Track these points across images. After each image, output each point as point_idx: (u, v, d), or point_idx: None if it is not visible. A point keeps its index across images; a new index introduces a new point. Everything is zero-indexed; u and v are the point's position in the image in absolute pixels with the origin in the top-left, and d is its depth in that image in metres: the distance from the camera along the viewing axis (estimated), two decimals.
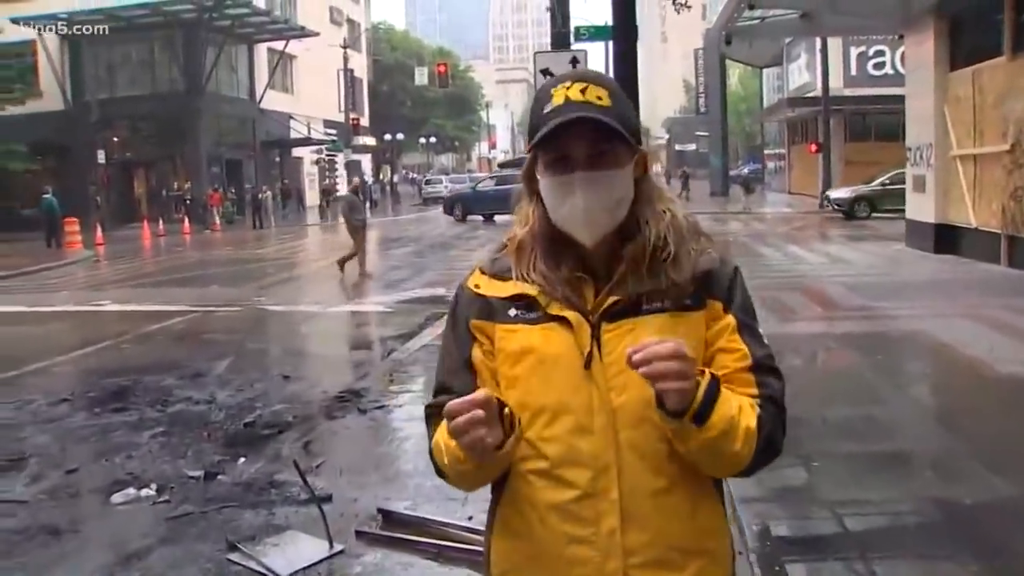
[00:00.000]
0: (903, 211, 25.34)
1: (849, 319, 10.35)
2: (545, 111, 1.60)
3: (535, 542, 1.62)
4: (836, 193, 30.20)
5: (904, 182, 27.31)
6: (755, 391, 1.58)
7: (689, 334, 1.57)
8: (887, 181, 27.82)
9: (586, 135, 1.57)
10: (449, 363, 1.71)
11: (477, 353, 1.67)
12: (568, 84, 1.61)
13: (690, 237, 1.65)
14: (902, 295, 12.06)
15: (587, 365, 1.57)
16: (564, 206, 1.60)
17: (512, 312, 1.64)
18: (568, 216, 1.61)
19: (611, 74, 8.51)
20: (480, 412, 1.43)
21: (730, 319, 1.62)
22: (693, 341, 1.55)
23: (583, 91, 1.59)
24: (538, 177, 1.65)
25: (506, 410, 1.54)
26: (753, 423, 1.54)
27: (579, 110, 1.56)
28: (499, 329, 1.65)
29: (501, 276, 1.67)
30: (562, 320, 1.60)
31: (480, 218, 33.35)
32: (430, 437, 1.68)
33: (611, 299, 1.60)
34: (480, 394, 1.46)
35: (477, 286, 1.69)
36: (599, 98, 1.59)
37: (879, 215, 26.81)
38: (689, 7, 14.08)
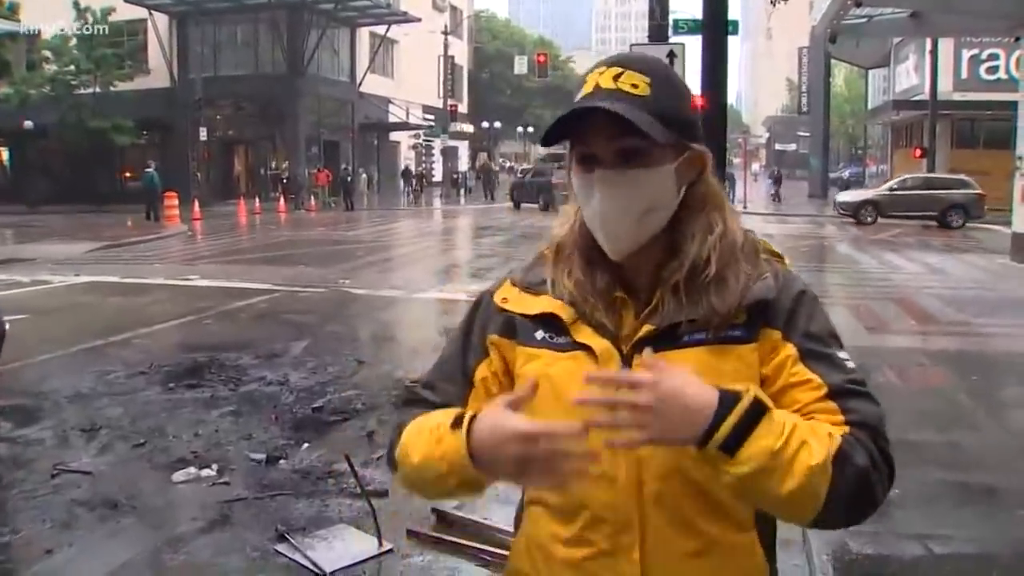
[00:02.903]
0: (909, 217, 24.88)
1: (945, 335, 9.90)
2: (575, 99, 1.39)
3: None
4: (843, 196, 30.33)
5: (915, 188, 27.56)
6: (840, 418, 1.32)
7: (737, 370, 1.35)
8: (895, 186, 28.17)
9: (608, 128, 1.35)
10: (445, 369, 1.55)
11: (483, 371, 1.50)
12: (602, 70, 1.39)
13: (744, 257, 1.41)
14: (1004, 312, 11.51)
15: None
16: (589, 208, 1.41)
17: (539, 335, 1.45)
18: (591, 221, 1.42)
19: (700, 67, 8.22)
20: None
21: (790, 349, 1.37)
22: (741, 379, 1.32)
23: (616, 77, 1.37)
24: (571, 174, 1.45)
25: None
26: (818, 459, 1.23)
27: (605, 99, 1.34)
28: (520, 352, 1.46)
29: (533, 289, 1.48)
30: (589, 350, 1.40)
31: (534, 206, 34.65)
32: (397, 423, 1.50)
33: (646, 327, 1.38)
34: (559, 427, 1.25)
35: (504, 300, 1.51)
36: (634, 86, 1.36)
37: (885, 220, 26.66)
38: (786, 0, 13.63)
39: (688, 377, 1.23)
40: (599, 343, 1.40)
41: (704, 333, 1.37)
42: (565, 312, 1.43)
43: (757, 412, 1.23)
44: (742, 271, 1.40)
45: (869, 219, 27.06)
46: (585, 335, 1.41)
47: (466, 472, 1.30)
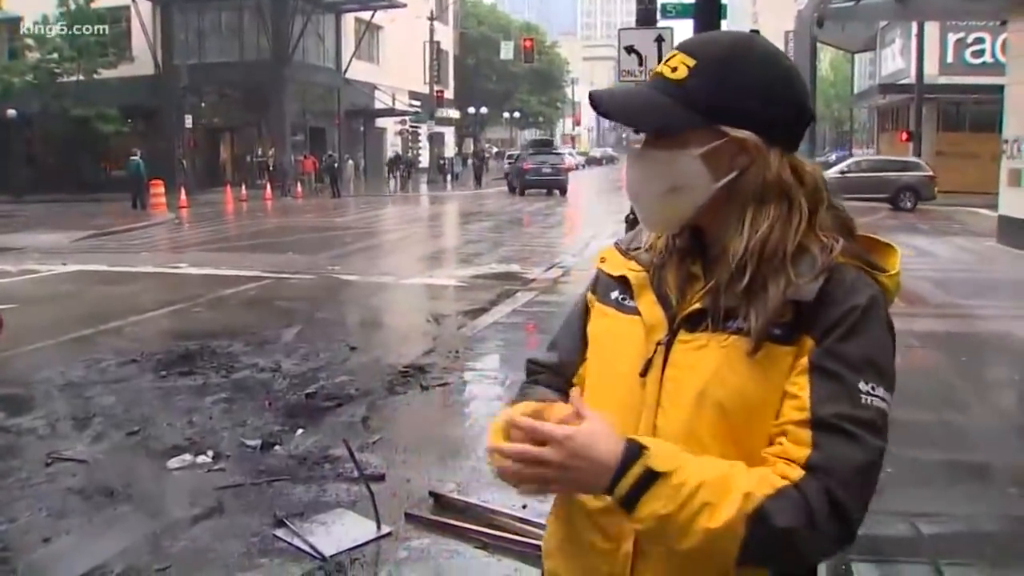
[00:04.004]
0: (861, 199, 25.37)
1: (933, 316, 9.94)
2: None
3: (569, 532, 1.48)
4: None
5: (866, 170, 28.00)
6: (804, 453, 1.24)
7: (763, 368, 1.30)
8: (846, 169, 28.65)
9: None
10: (568, 328, 1.62)
11: (590, 327, 1.56)
12: (674, 52, 1.41)
13: (790, 267, 1.32)
14: (991, 294, 11.59)
15: (643, 372, 1.38)
16: None
17: (613, 295, 1.50)
18: None
19: None
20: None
21: (804, 360, 1.28)
22: (763, 378, 1.29)
23: (668, 60, 1.39)
24: None
25: None
26: (721, 522, 1.19)
27: (628, 84, 1.40)
28: (597, 308, 1.53)
29: (629, 251, 1.51)
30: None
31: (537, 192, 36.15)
32: (520, 394, 1.57)
33: (695, 305, 1.37)
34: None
35: (603, 260, 1.57)
36: (673, 69, 1.36)
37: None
38: None
39: (602, 429, 1.25)
40: (652, 314, 1.42)
41: (747, 322, 1.32)
42: (635, 277, 1.46)
43: (649, 478, 1.22)
44: (784, 280, 1.31)
45: None
46: (646, 303, 1.43)
47: None
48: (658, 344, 1.38)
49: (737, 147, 1.34)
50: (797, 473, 1.23)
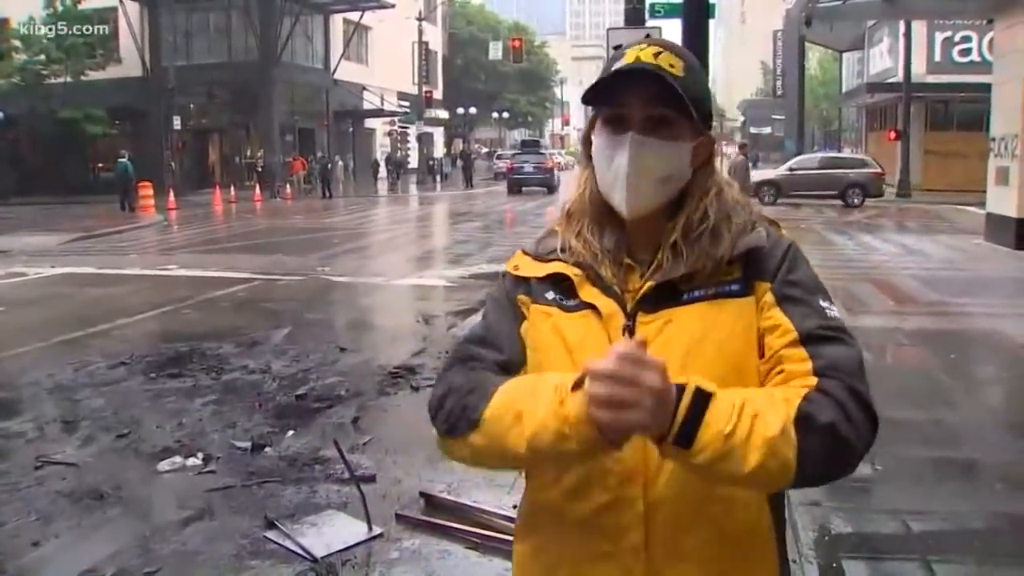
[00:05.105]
0: (810, 196, 25.44)
1: (922, 314, 9.98)
2: (612, 68, 1.46)
3: (556, 552, 1.47)
4: None
5: (814, 168, 28.56)
6: (808, 365, 1.34)
7: (736, 323, 1.41)
8: (795, 167, 29.11)
9: (647, 92, 1.44)
10: (499, 328, 1.54)
11: (525, 327, 1.53)
12: (643, 46, 1.47)
13: (735, 214, 1.49)
14: (980, 292, 11.62)
15: None
16: (610, 169, 1.47)
17: (549, 295, 1.51)
18: (611, 181, 1.48)
19: None
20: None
21: (768, 295, 1.42)
22: (739, 331, 1.41)
23: (657, 55, 1.45)
24: (592, 138, 1.52)
25: None
26: (774, 429, 1.23)
27: (642, 67, 1.43)
28: (534, 309, 1.52)
29: (543, 257, 1.54)
30: (595, 309, 1.45)
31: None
32: (450, 383, 1.48)
33: (648, 284, 1.45)
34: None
35: (516, 267, 1.57)
36: (671, 66, 1.44)
37: (785, 201, 27.46)
38: None
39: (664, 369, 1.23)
40: (605, 302, 1.46)
41: (702, 290, 1.43)
42: (572, 272, 1.49)
43: (701, 400, 1.23)
44: (734, 223, 1.47)
45: (768, 199, 27.41)
46: (591, 295, 1.47)
47: (589, 435, 1.26)
48: (625, 329, 1.42)
49: (709, 143, 1.52)
50: (812, 381, 1.32)
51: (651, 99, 1.44)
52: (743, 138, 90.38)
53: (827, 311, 1.41)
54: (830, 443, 1.27)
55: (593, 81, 1.48)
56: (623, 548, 1.40)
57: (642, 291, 1.45)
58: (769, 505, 1.45)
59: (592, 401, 1.21)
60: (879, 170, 28.21)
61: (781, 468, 1.25)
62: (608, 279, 1.47)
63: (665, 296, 1.43)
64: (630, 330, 1.42)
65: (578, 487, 1.43)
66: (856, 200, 27.48)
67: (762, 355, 1.40)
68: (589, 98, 1.48)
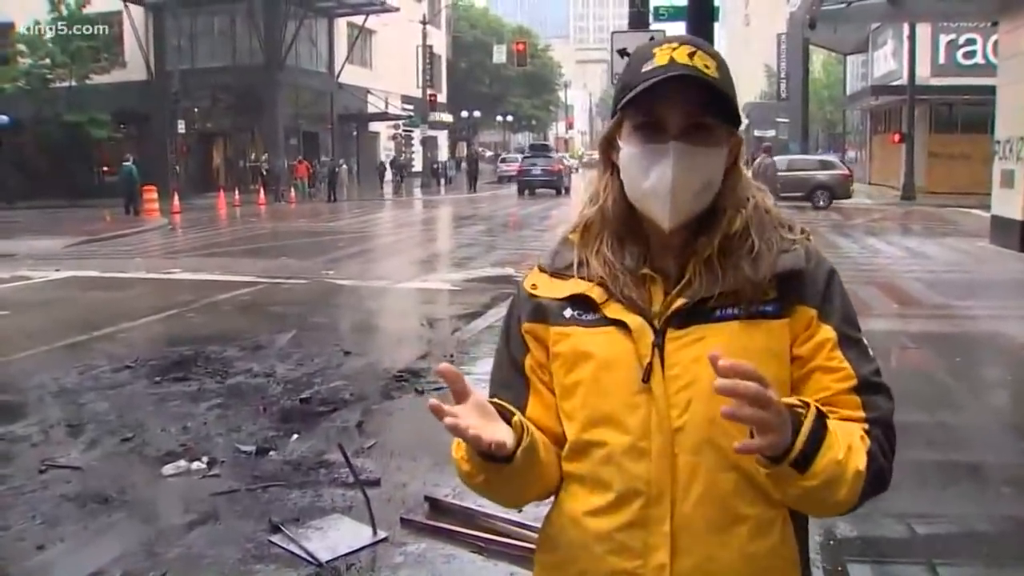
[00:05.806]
0: (777, 198, 25.51)
1: (926, 317, 9.97)
2: (644, 69, 1.38)
3: (579, 567, 1.45)
4: None
5: (780, 170, 28.06)
6: (862, 414, 1.37)
7: (769, 345, 1.38)
8: (756, 169, 28.79)
9: (689, 100, 1.36)
10: (501, 376, 1.55)
11: (530, 363, 1.51)
12: (675, 45, 1.39)
13: (772, 230, 1.44)
14: (985, 294, 11.61)
15: (646, 378, 1.37)
16: (649, 179, 1.39)
17: (568, 313, 1.46)
18: (651, 192, 1.39)
19: None
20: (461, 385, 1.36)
21: (829, 332, 1.39)
22: (772, 355, 1.37)
23: (691, 55, 1.37)
24: (620, 145, 1.44)
25: (515, 419, 1.38)
26: (863, 463, 1.31)
27: (687, 72, 1.35)
28: (552, 332, 1.48)
29: (561, 273, 1.50)
30: (621, 325, 1.41)
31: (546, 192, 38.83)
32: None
33: (679, 301, 1.40)
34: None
35: (534, 286, 1.53)
36: (706, 67, 1.37)
37: None
38: None
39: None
40: (632, 319, 1.41)
41: (736, 308, 1.39)
42: (594, 292, 1.44)
43: (822, 424, 1.27)
44: (774, 241, 1.43)
45: None
46: (617, 311, 1.42)
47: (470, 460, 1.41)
48: (654, 346, 1.38)
49: (739, 143, 1.46)
50: (863, 425, 1.37)
51: (692, 104, 1.37)
52: (747, 141, 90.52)
53: (869, 351, 1.43)
54: (879, 482, 1.36)
55: (625, 81, 1.41)
56: (649, 567, 1.39)
57: (673, 308, 1.40)
58: (793, 527, 1.44)
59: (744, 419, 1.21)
60: (847, 172, 28.36)
61: (850, 501, 1.33)
62: (630, 295, 1.42)
63: (696, 311, 1.39)
64: (660, 346, 1.39)
65: (607, 505, 1.42)
66: (822, 202, 27.43)
67: (809, 389, 1.39)
68: (632, 103, 1.39)
